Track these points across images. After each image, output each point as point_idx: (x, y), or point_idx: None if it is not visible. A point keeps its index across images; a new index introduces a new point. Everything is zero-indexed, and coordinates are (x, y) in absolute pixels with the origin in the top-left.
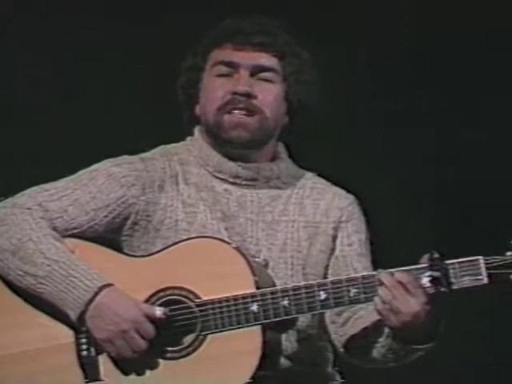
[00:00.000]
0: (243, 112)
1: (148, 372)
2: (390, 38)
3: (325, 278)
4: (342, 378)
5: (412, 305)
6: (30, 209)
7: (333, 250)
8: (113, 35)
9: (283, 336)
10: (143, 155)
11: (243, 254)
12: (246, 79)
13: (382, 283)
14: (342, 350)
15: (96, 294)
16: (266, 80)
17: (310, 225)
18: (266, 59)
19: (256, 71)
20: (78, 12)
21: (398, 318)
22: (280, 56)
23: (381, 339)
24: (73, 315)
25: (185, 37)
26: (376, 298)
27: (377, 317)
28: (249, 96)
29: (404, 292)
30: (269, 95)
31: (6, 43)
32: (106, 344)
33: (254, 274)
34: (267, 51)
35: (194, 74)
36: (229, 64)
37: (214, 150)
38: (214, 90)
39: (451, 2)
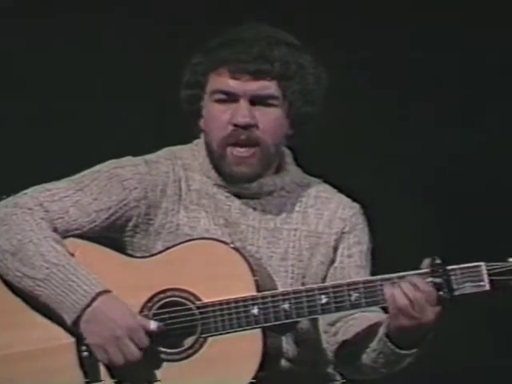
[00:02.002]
0: (245, 146)
1: (146, 377)
2: (394, 40)
3: None
4: (343, 378)
5: (429, 314)
6: (31, 209)
7: (333, 261)
8: (118, 34)
9: (283, 338)
10: (147, 157)
11: (243, 255)
12: (245, 109)
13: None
14: (333, 358)
15: (93, 299)
16: (267, 105)
17: (313, 235)
18: (264, 86)
19: (256, 100)
20: (79, 11)
21: (410, 321)
22: (279, 78)
23: (372, 344)
24: (68, 319)
25: (191, 39)
26: (390, 298)
27: (367, 324)
28: (250, 126)
29: (424, 300)
30: (269, 121)
31: (5, 42)
32: (98, 350)
33: (254, 274)
34: (265, 78)
35: (196, 90)
36: (227, 93)
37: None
38: (216, 118)
39: (453, 4)
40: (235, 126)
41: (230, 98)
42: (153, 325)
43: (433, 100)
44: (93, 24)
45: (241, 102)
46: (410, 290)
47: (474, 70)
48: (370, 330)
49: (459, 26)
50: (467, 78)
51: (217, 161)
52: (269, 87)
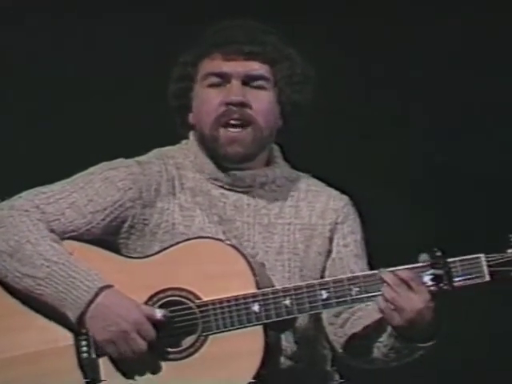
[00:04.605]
0: (238, 124)
1: (150, 374)
2: (387, 37)
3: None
4: (341, 377)
5: (415, 302)
6: (27, 211)
7: (329, 252)
8: (117, 34)
9: (282, 336)
10: (139, 158)
11: (243, 254)
12: (238, 88)
13: (384, 281)
14: (341, 351)
15: (96, 294)
16: (259, 87)
17: (307, 227)
18: (257, 67)
19: (248, 80)
20: (77, 13)
21: (401, 316)
22: (271, 62)
23: (382, 338)
24: (72, 316)
25: (181, 40)
26: (379, 297)
27: (377, 316)
28: (243, 105)
29: (407, 289)
30: (262, 103)
31: (5, 43)
32: (107, 345)
33: (254, 274)
34: (257, 59)
35: (185, 83)
36: (220, 75)
37: (208, 158)
38: (208, 101)
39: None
40: (228, 104)
41: (223, 79)
42: (159, 313)
43: (431, 96)
44: (92, 24)
45: (233, 82)
46: (390, 278)
47: (473, 70)
48: (379, 324)
49: (459, 26)
50: (466, 77)
51: (210, 144)
52: (260, 68)
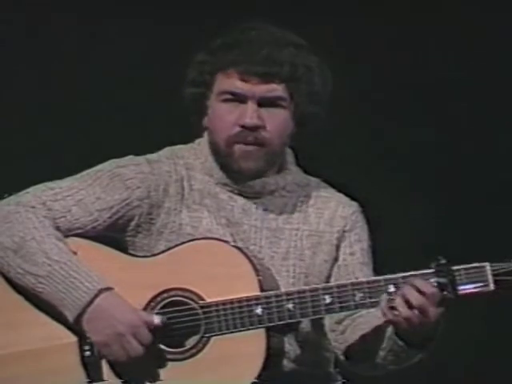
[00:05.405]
0: (252, 145)
1: (150, 376)
2: (394, 41)
3: None
4: (344, 378)
5: (430, 315)
6: (33, 207)
7: (336, 259)
8: (119, 35)
9: (285, 338)
10: (149, 157)
11: (247, 255)
12: (253, 111)
13: (405, 299)
14: (342, 357)
15: (95, 296)
16: (274, 105)
17: (314, 234)
18: (274, 88)
19: (264, 101)
20: (80, 12)
21: (409, 326)
22: (288, 81)
23: (381, 343)
24: (70, 316)
25: (193, 38)
26: (384, 307)
27: (377, 322)
28: (257, 128)
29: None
30: (277, 121)
31: (5, 42)
32: (102, 347)
33: (257, 274)
34: (274, 81)
35: (201, 89)
36: (235, 94)
37: (218, 164)
38: (222, 118)
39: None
40: (242, 127)
41: (238, 99)
42: (156, 319)
43: (434, 99)
44: (93, 24)
45: (249, 104)
46: (413, 296)
47: (474, 70)
48: (379, 329)
49: (459, 26)
50: (467, 77)
51: (224, 158)
52: (277, 89)
